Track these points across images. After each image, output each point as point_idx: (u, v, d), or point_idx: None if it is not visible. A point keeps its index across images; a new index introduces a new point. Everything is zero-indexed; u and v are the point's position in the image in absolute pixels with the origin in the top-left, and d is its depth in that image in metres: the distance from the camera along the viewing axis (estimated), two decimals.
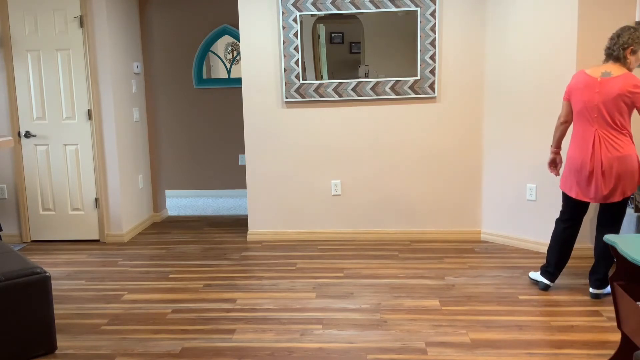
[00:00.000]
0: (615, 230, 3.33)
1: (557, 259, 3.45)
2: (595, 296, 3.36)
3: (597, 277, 3.35)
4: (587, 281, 3.63)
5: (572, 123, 3.34)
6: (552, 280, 3.48)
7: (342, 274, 3.90)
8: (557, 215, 4.14)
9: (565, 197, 3.43)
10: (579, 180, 3.26)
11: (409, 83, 4.49)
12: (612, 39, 3.19)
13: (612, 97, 3.12)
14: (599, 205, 3.38)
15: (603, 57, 3.92)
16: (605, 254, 3.33)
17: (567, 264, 3.98)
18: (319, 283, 3.74)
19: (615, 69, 3.15)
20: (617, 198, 3.19)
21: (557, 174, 3.55)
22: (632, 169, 3.15)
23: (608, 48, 3.20)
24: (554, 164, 3.54)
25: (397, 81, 4.50)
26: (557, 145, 3.48)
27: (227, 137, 6.79)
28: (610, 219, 3.31)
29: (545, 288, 3.49)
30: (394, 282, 3.71)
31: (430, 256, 4.24)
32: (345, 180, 4.70)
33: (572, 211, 3.41)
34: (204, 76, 6.69)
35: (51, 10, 4.57)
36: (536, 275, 3.59)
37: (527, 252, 4.28)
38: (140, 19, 5.28)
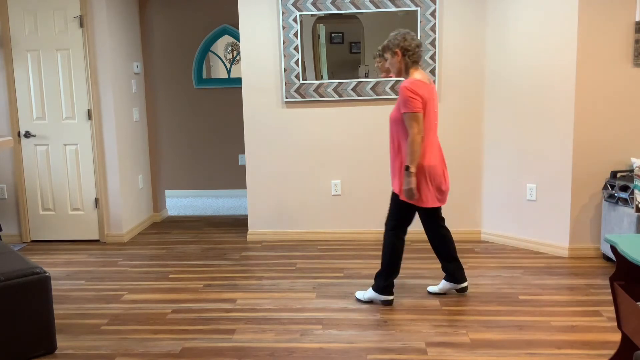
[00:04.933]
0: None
1: (398, 268, 3.34)
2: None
3: (459, 269, 3.41)
4: (587, 281, 3.64)
5: (424, 134, 3.13)
6: (393, 292, 3.38)
7: (342, 274, 3.90)
8: (557, 215, 4.15)
9: (412, 210, 3.24)
10: (439, 188, 3.19)
11: None
12: (420, 46, 3.18)
13: (437, 101, 3.23)
14: (427, 209, 3.34)
15: (601, 57, 3.94)
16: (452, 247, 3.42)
17: (567, 264, 3.99)
18: (319, 283, 3.73)
19: (427, 75, 3.23)
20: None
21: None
22: None
23: (420, 55, 3.18)
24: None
25: (397, 81, 4.49)
26: (416, 164, 3.13)
27: (227, 137, 6.79)
28: (440, 214, 3.40)
29: (391, 302, 3.34)
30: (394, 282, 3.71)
31: (430, 256, 4.24)
32: (345, 180, 4.70)
33: (411, 220, 3.29)
34: (204, 76, 6.69)
35: (51, 10, 4.57)
36: (374, 295, 3.35)
37: (527, 252, 4.28)
38: (140, 19, 5.28)
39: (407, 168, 3.09)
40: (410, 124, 3.06)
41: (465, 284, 3.43)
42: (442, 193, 3.23)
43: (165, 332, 3.05)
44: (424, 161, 3.14)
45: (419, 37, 4.42)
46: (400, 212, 3.27)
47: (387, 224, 3.33)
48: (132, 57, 5.11)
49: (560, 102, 4.04)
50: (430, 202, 3.20)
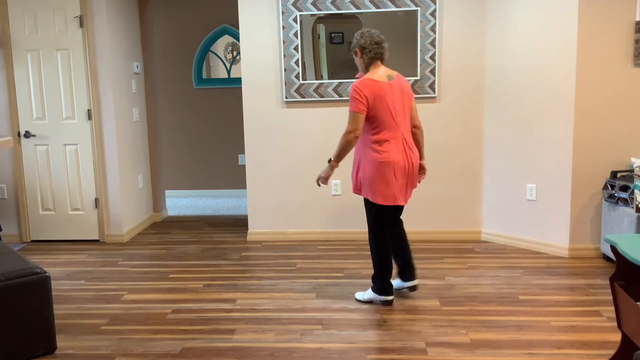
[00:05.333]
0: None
1: (392, 266, 3.34)
2: (413, 288, 3.42)
3: (412, 270, 3.41)
4: (587, 281, 3.64)
5: (379, 130, 3.14)
6: (393, 291, 3.37)
7: (342, 274, 3.90)
8: (557, 215, 4.15)
9: (386, 210, 3.24)
10: (406, 184, 3.21)
11: (409, 83, 4.48)
12: (379, 43, 3.17)
13: (405, 99, 3.21)
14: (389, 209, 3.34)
15: (601, 57, 3.93)
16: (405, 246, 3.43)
17: (567, 264, 3.99)
18: (319, 283, 3.73)
19: (391, 71, 3.21)
20: (410, 195, 3.31)
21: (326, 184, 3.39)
22: None
23: (381, 52, 3.19)
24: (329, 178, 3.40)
25: None
26: (340, 160, 3.25)
27: (227, 137, 6.79)
28: (399, 217, 3.40)
29: (391, 302, 3.33)
30: (394, 282, 3.70)
31: (430, 256, 4.24)
32: (345, 180, 4.70)
33: (391, 218, 3.31)
34: (204, 76, 6.69)
35: (51, 10, 4.57)
36: (373, 296, 3.35)
37: (527, 252, 4.28)
38: (140, 19, 5.28)
39: (330, 160, 3.26)
40: (349, 121, 3.15)
41: (413, 283, 3.40)
42: (403, 192, 3.20)
43: (165, 332, 3.05)
44: (383, 157, 3.14)
45: (419, 37, 4.42)
46: (369, 213, 3.29)
47: (367, 226, 3.38)
48: (132, 57, 5.11)
49: (560, 102, 4.04)
50: (383, 199, 3.17)
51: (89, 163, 4.75)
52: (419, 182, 3.43)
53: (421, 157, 3.39)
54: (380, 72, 3.17)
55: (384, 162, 3.13)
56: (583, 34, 3.91)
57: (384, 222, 3.28)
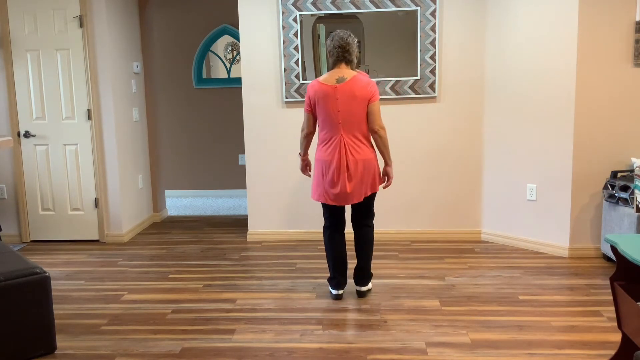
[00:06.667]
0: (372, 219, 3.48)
1: (337, 262, 3.42)
2: (363, 294, 3.46)
3: (365, 273, 3.44)
4: (587, 281, 3.64)
5: (320, 130, 3.32)
6: (339, 287, 3.45)
7: None
8: (557, 215, 4.15)
9: (326, 206, 3.40)
10: (328, 185, 3.26)
11: (409, 83, 4.49)
12: (342, 46, 3.20)
13: (354, 102, 3.19)
14: (351, 206, 3.44)
15: (601, 57, 3.93)
16: (370, 245, 3.43)
17: (567, 264, 3.99)
18: (319, 283, 3.73)
19: (348, 73, 3.22)
20: (360, 198, 3.28)
21: (310, 175, 3.59)
22: (373, 171, 3.28)
23: (344, 56, 3.22)
24: (308, 168, 3.54)
25: (397, 81, 4.49)
26: (305, 153, 3.49)
27: (227, 137, 6.79)
28: (362, 216, 3.41)
29: (336, 297, 3.44)
30: (394, 282, 3.71)
31: (430, 256, 4.24)
32: None
33: (333, 218, 3.40)
34: (204, 76, 6.69)
35: (51, 10, 4.57)
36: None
37: (527, 252, 4.28)
38: (140, 19, 5.28)
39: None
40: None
41: (361, 289, 3.46)
42: (330, 192, 3.26)
43: (165, 332, 3.05)
44: (317, 156, 3.34)
45: (419, 37, 4.42)
46: (322, 208, 3.46)
47: None
48: (132, 57, 5.10)
49: (561, 102, 4.04)
50: (316, 195, 3.35)
51: (88, 163, 4.75)
52: (383, 188, 3.40)
53: (385, 164, 3.35)
54: (333, 75, 3.22)
55: (316, 160, 3.33)
56: (583, 34, 3.91)
57: (327, 217, 3.41)
